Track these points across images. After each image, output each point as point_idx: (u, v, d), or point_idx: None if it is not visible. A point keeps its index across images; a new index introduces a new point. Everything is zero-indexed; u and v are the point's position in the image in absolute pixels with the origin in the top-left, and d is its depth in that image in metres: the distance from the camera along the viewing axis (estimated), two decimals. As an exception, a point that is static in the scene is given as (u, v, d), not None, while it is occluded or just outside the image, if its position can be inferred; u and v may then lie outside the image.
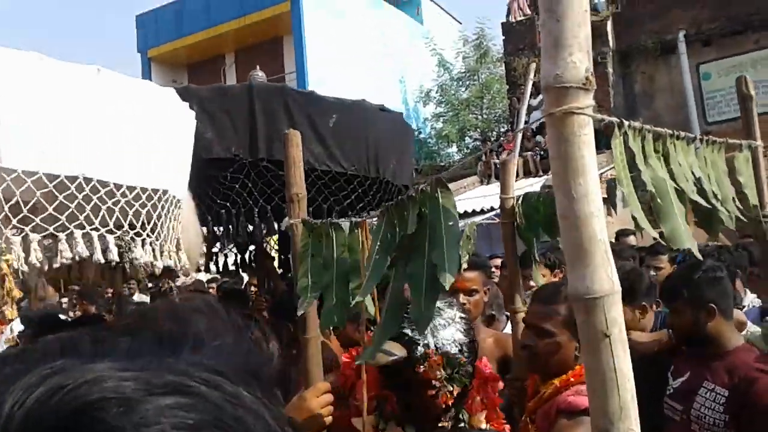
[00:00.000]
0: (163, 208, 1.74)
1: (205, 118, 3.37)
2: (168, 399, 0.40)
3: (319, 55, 17.73)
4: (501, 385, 2.05)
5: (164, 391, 0.41)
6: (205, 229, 3.72)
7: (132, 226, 1.65)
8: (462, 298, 3.02)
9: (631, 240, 5.63)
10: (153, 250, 1.70)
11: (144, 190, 1.67)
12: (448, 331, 1.70)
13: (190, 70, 19.81)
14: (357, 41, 18.65)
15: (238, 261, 5.16)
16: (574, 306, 1.19)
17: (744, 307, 3.64)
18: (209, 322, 0.53)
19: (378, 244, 1.29)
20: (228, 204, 3.56)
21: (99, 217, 1.58)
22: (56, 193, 1.47)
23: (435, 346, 1.65)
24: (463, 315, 1.81)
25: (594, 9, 14.38)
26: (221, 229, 3.85)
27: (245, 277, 6.49)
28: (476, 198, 10.73)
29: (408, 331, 1.67)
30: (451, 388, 1.67)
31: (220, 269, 5.28)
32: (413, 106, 20.98)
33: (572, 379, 1.91)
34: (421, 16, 22.44)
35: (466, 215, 10.81)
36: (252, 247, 4.93)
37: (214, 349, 0.49)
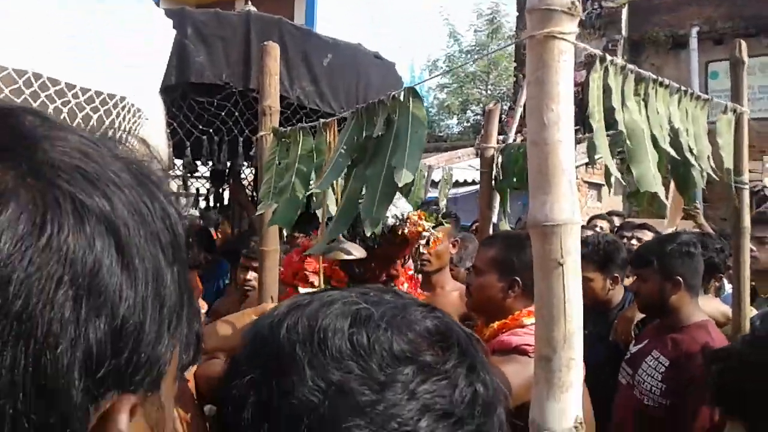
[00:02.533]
0: (118, 115, 1.68)
1: (198, 42, 3.35)
2: None
3: (329, 11, 17.45)
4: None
5: None
6: (179, 160, 3.71)
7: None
8: (422, 247, 3.03)
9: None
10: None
11: (99, 93, 1.60)
12: (402, 201, 1.97)
13: (198, 8, 19.48)
14: (369, 2, 18.37)
15: (211, 197, 5.12)
16: (531, 234, 1.18)
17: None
18: None
19: (344, 144, 1.28)
20: (211, 131, 3.53)
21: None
22: (1, 86, 1.42)
23: (401, 213, 1.93)
24: None
25: (612, -6, 14.20)
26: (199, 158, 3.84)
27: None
28: (468, 169, 10.70)
29: None
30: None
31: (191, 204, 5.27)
32: (419, 74, 20.83)
33: (508, 322, 1.96)
34: (437, -17, 22.10)
35: (457, 185, 10.81)
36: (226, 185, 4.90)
37: None
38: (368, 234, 1.21)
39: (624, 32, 13.15)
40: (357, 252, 1.72)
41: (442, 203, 2.72)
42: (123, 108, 1.94)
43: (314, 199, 1.55)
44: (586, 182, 9.26)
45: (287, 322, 0.62)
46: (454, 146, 14.84)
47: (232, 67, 3.42)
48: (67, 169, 0.37)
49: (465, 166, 11.19)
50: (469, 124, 19.11)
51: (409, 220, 1.95)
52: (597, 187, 10.02)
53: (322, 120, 1.48)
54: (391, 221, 1.92)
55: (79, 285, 0.35)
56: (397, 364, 0.58)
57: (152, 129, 2.35)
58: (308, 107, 3.57)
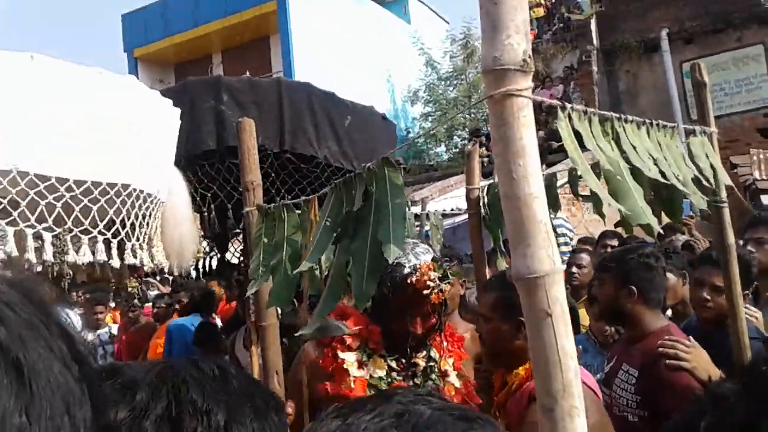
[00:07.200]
0: (123, 203, 1.70)
1: (235, 108, 3.55)
2: None
3: (306, 54, 17.69)
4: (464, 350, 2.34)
5: None
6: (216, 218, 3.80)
7: (78, 223, 1.60)
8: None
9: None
10: (108, 249, 1.66)
11: (96, 184, 1.62)
12: (427, 256, 2.04)
13: (177, 69, 19.72)
14: (344, 40, 18.62)
15: (210, 264, 5.12)
16: (517, 286, 1.20)
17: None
18: None
19: (326, 219, 1.31)
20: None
21: (36, 213, 1.52)
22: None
23: (417, 263, 2.01)
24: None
25: (578, 8, 14.44)
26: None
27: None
28: (463, 196, 10.71)
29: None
30: (443, 287, 2.04)
31: (200, 272, 5.27)
32: (401, 106, 20.99)
33: None
34: (409, 15, 22.45)
35: (453, 214, 10.82)
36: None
37: None
38: (360, 309, 1.22)
39: (596, 42, 13.34)
40: (344, 329, 1.82)
41: (437, 247, 2.73)
42: (128, 195, 1.94)
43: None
44: (579, 195, 9.27)
45: None
46: (445, 174, 14.92)
47: (267, 130, 3.58)
48: None
49: (459, 194, 11.23)
50: (457, 150, 19.19)
51: (418, 270, 1.99)
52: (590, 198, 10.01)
53: (303, 197, 1.51)
54: (407, 271, 1.97)
55: None
56: None
57: (175, 207, 2.36)
58: (334, 165, 3.79)
